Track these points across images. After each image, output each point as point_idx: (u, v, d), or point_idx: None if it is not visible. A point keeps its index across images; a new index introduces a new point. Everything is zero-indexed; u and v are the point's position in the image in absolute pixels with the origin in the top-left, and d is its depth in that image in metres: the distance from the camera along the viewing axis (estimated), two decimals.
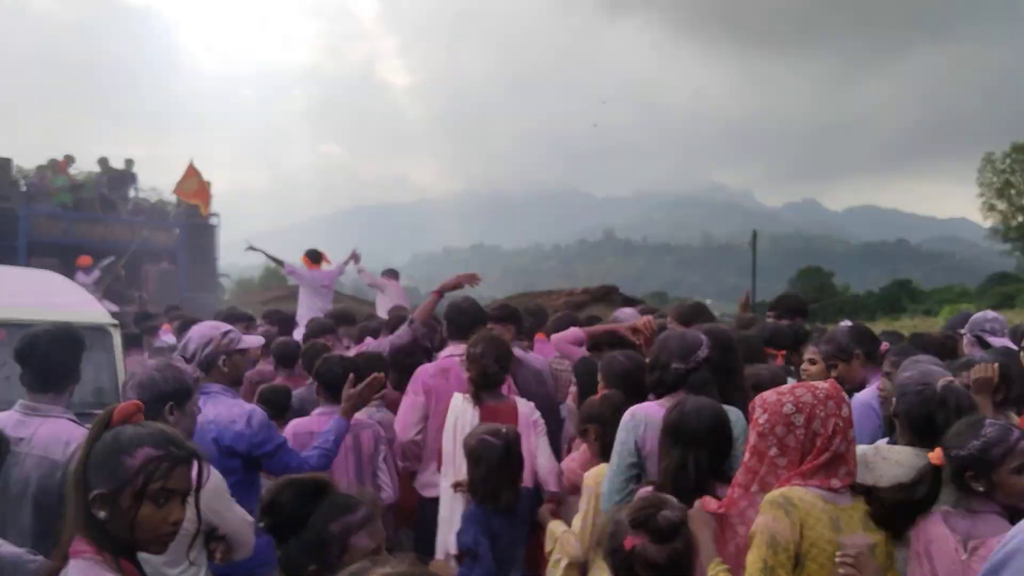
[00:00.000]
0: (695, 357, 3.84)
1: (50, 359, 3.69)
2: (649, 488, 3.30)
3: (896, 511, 2.94)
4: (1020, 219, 58.03)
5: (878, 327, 27.71)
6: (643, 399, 3.99)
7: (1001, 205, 57.77)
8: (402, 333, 6.01)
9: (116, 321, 5.75)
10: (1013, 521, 2.54)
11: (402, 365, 5.95)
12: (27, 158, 20.70)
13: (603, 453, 4.00)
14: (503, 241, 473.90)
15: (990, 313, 5.55)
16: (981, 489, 2.84)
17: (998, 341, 5.11)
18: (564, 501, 4.52)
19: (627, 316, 6.05)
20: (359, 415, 4.83)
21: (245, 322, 9.71)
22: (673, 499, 2.92)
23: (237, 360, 4.38)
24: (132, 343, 8.86)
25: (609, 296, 19.60)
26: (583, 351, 5.34)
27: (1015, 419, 4.03)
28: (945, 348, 4.53)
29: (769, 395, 3.03)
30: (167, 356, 7.59)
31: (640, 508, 2.84)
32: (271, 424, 4.29)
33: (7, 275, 6.74)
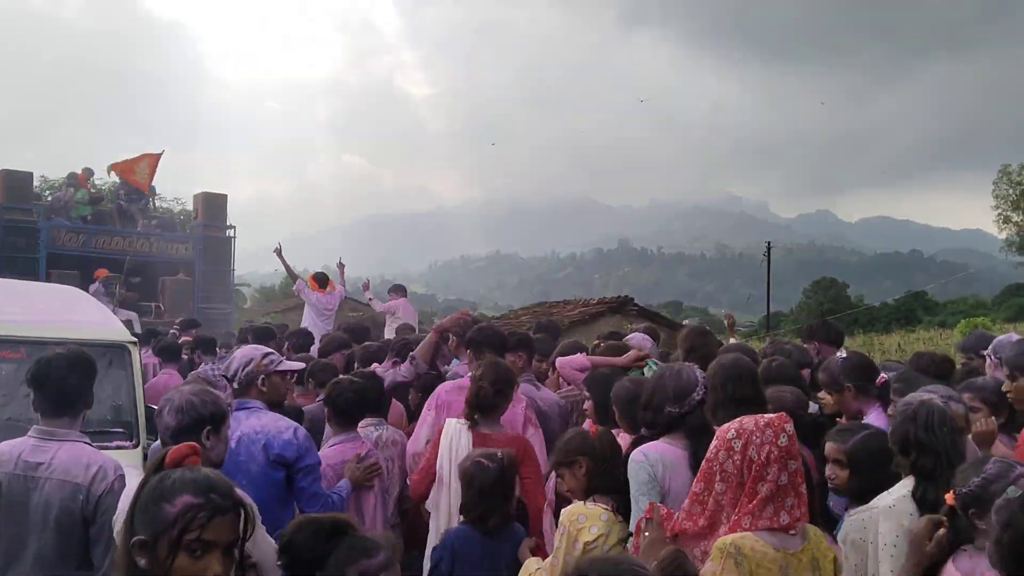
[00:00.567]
0: (690, 400, 3.77)
1: (66, 384, 3.67)
2: (650, 512, 3.28)
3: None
4: None
5: (893, 339, 27.60)
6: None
7: (1017, 217, 57.33)
8: (405, 372, 6.04)
9: (135, 339, 5.80)
10: None
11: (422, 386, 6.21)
12: (54, 168, 21.00)
13: (587, 491, 3.89)
14: (520, 250, 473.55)
15: (1014, 336, 5.57)
16: (984, 527, 2.77)
17: None
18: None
19: (637, 342, 6.08)
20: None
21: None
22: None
23: (276, 382, 4.46)
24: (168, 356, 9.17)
25: (624, 307, 19.58)
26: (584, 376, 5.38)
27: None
28: (944, 367, 4.49)
29: (724, 425, 3.04)
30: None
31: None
32: (312, 443, 4.38)
33: (28, 291, 6.72)
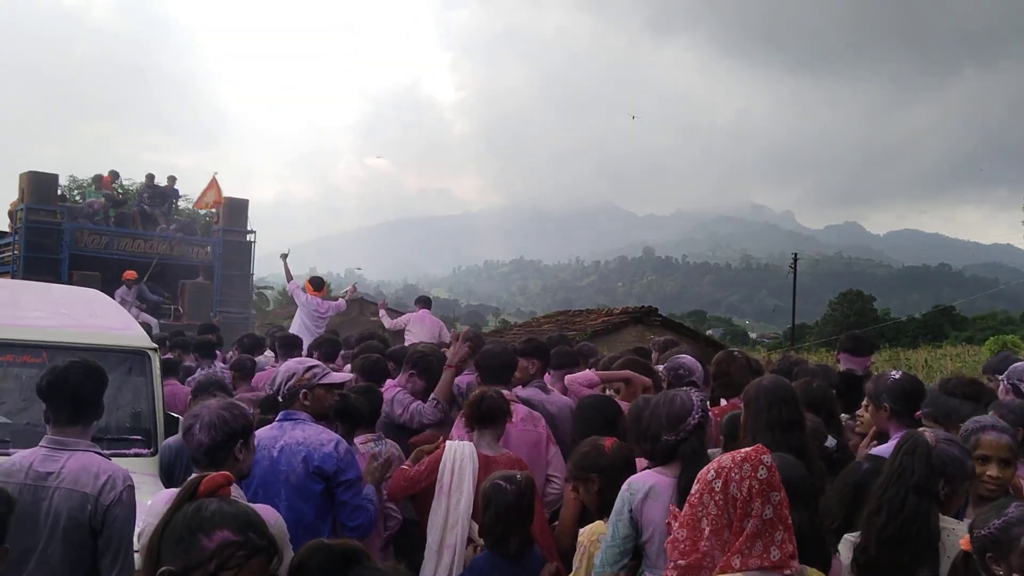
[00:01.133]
0: (685, 426, 3.64)
1: (80, 394, 3.64)
2: None
3: None
4: None
5: (920, 354, 27.34)
6: None
7: None
8: (431, 415, 5.81)
9: (156, 346, 5.79)
10: None
11: None
12: (79, 165, 21.37)
13: (602, 509, 3.85)
14: (543, 256, 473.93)
15: None
16: (1001, 573, 2.68)
17: None
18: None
19: (688, 366, 6.02)
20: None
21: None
22: None
23: (319, 394, 4.45)
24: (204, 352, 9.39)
25: (647, 317, 19.55)
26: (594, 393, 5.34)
27: None
28: (973, 388, 4.37)
29: (703, 468, 2.91)
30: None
31: None
32: (354, 456, 4.41)
33: (51, 294, 6.72)
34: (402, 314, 13.21)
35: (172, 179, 22.37)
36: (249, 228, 21.55)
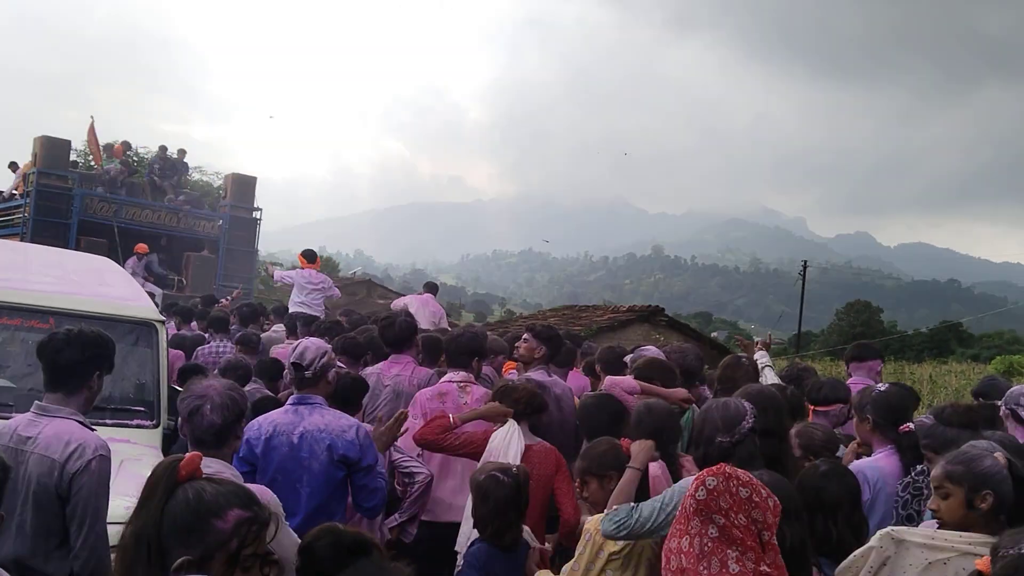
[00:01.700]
0: (740, 429, 3.70)
1: (58, 360, 3.61)
2: None
3: None
4: None
5: (924, 369, 27.24)
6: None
7: None
8: None
9: (163, 318, 5.78)
10: None
11: None
12: (100, 133, 21.50)
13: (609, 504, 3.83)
14: (552, 248, 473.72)
15: None
16: None
17: None
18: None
19: (652, 353, 6.03)
20: None
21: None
22: None
23: (335, 376, 4.53)
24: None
25: (654, 317, 19.52)
26: (635, 400, 5.30)
27: None
28: (969, 416, 4.35)
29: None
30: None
31: None
32: (371, 440, 4.42)
33: (62, 260, 6.70)
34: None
35: (183, 152, 22.61)
36: (256, 205, 21.80)
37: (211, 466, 3.13)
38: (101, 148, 21.76)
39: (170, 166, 21.78)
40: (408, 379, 6.02)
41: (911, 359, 38.84)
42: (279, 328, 10.15)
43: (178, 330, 10.25)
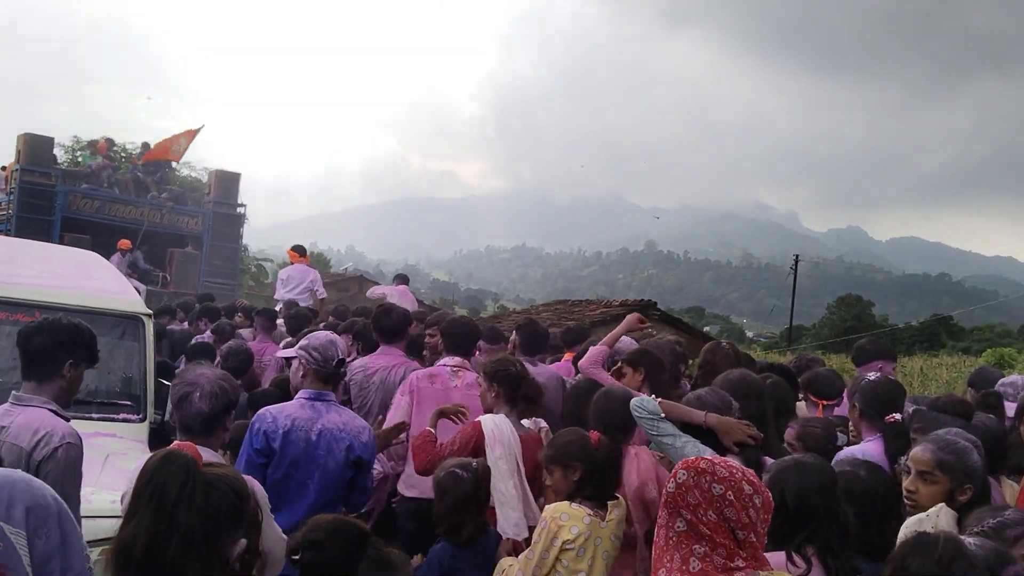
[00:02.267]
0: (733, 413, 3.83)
1: (29, 347, 3.62)
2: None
3: None
4: None
5: (915, 362, 27.26)
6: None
7: None
8: None
9: (150, 311, 5.76)
10: None
11: None
12: (85, 129, 21.55)
13: (573, 494, 3.87)
14: (545, 244, 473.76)
15: (1018, 379, 5.68)
16: None
17: (1011, 406, 5.11)
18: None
19: (624, 345, 6.01)
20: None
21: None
22: None
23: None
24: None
25: (646, 311, 19.48)
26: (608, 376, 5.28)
27: (1014, 486, 4.01)
28: (964, 408, 4.38)
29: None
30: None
31: None
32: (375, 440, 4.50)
33: (49, 254, 6.67)
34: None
35: None
36: (240, 201, 21.83)
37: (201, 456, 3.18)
38: (88, 144, 21.75)
39: (152, 162, 21.74)
40: (395, 369, 6.00)
41: (902, 352, 38.89)
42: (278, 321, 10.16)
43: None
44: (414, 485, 5.20)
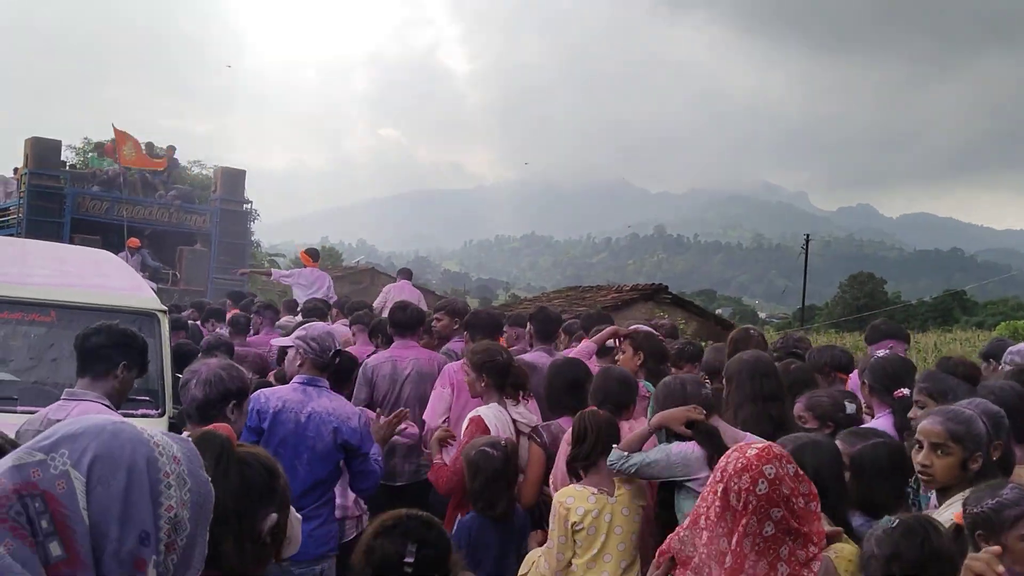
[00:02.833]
0: (706, 394, 4.01)
1: (86, 345, 3.82)
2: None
3: None
4: None
5: (929, 338, 27.22)
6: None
7: None
8: None
9: (165, 307, 5.81)
10: None
11: None
12: (94, 130, 21.75)
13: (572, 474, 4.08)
14: (555, 232, 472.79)
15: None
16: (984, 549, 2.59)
17: None
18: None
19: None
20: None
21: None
22: None
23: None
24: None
25: (657, 295, 19.48)
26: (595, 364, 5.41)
27: None
28: (972, 371, 4.38)
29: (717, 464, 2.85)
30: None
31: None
32: (369, 427, 4.61)
33: (62, 254, 6.76)
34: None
35: (172, 148, 23.01)
36: (247, 198, 22.16)
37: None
38: (96, 145, 21.90)
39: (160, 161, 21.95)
40: (427, 361, 6.31)
41: (915, 329, 38.82)
42: (289, 317, 10.28)
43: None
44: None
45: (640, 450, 3.84)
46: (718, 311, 42.38)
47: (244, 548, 2.04)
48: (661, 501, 4.03)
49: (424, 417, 5.74)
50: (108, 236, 18.05)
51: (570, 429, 4.17)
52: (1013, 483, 2.80)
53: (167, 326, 5.59)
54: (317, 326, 4.73)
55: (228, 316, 10.35)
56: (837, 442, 3.61)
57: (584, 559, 3.83)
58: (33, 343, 5.08)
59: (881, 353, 4.69)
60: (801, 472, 2.68)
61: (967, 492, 2.98)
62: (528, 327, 6.92)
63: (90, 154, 23.75)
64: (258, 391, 4.41)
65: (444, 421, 5.54)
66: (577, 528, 3.81)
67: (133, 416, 5.06)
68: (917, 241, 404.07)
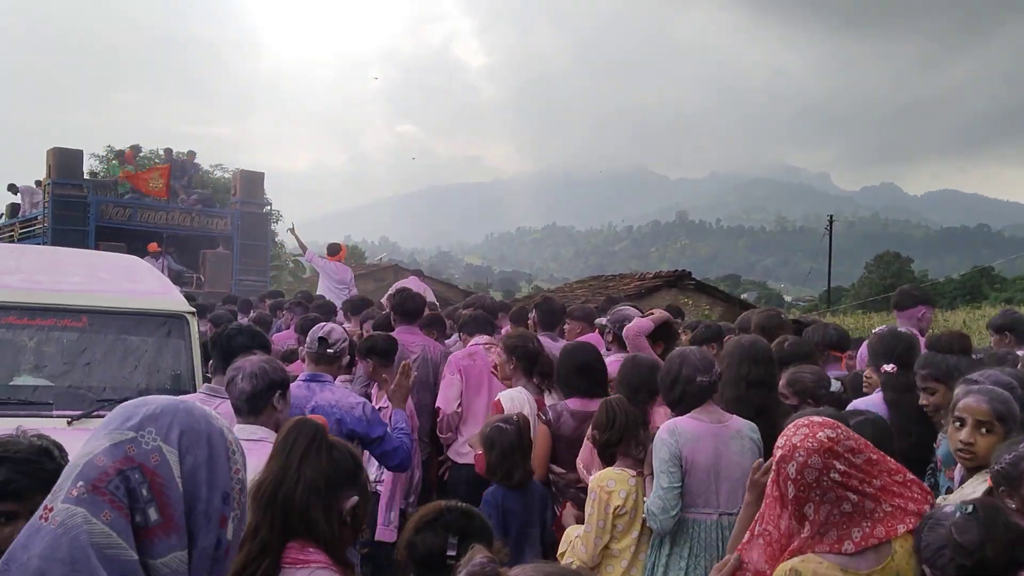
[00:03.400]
0: (716, 370, 4.00)
1: (231, 345, 4.23)
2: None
3: None
4: None
5: (958, 316, 27.00)
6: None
7: None
8: None
9: (193, 309, 5.87)
10: None
11: None
12: (116, 137, 22.01)
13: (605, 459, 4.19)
14: (576, 222, 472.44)
15: None
16: (1013, 506, 2.70)
17: None
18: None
19: (632, 313, 6.07)
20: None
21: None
22: None
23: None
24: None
25: (681, 281, 19.45)
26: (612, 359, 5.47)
27: None
28: (964, 343, 4.34)
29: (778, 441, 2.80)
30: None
31: None
32: (378, 413, 4.73)
33: (90, 260, 6.81)
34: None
35: (192, 153, 23.62)
36: (266, 199, 22.52)
37: (256, 433, 3.44)
38: (116, 153, 22.18)
39: (179, 167, 22.49)
40: (433, 349, 6.82)
41: (944, 307, 38.51)
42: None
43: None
44: (464, 453, 5.85)
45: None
46: (743, 296, 42.23)
47: (331, 519, 2.36)
48: None
49: (438, 404, 6.15)
50: (132, 242, 18.22)
51: (595, 413, 4.26)
52: None
53: (196, 327, 5.65)
54: (329, 324, 5.00)
55: (253, 315, 10.54)
56: None
57: (624, 543, 3.92)
58: (67, 348, 5.15)
59: (878, 329, 4.71)
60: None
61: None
62: (532, 315, 7.41)
63: (113, 161, 24.02)
64: None
65: (458, 406, 6.03)
66: (620, 512, 3.90)
67: None
68: (943, 218, 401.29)
